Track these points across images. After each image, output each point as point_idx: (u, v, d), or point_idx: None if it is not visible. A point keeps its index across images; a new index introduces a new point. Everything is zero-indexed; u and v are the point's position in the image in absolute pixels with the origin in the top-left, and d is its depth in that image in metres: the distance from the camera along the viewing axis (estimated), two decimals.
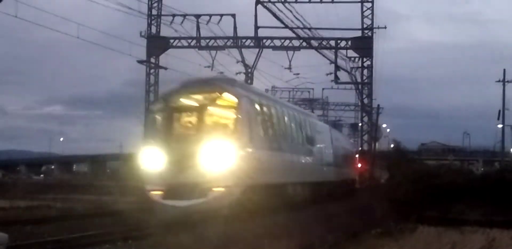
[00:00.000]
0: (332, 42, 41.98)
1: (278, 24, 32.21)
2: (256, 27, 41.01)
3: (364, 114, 47.84)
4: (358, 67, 44.91)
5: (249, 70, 40.63)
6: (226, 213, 18.96)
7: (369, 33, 43.51)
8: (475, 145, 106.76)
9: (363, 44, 42.83)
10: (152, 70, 44.92)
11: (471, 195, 27.11)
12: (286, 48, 41.94)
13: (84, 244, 16.18)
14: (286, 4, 33.47)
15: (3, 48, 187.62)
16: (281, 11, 30.25)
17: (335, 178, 35.21)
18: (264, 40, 41.70)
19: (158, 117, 21.03)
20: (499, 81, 62.24)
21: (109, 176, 62.75)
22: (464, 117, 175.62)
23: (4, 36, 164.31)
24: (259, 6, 36.58)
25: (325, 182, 32.00)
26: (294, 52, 42.34)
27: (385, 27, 45.25)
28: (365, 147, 47.42)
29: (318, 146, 31.07)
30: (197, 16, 40.49)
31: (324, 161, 32.38)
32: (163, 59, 44.29)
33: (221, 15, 40.38)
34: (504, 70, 62.36)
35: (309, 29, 37.42)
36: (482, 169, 78.34)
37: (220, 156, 19.30)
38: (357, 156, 47.48)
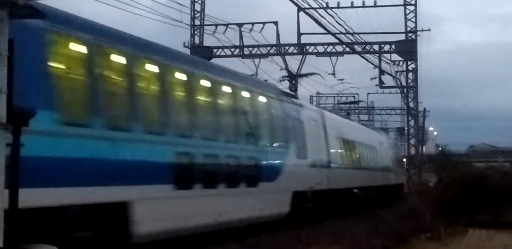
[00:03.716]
0: (376, 47, 41.73)
1: (321, 30, 32.11)
2: (299, 34, 41.10)
3: (410, 118, 47.50)
4: (402, 71, 44.65)
5: None
6: None
7: (413, 36, 43.24)
8: None
9: (407, 48, 42.50)
10: None
11: None
12: (330, 54, 41.82)
13: None
14: (328, 10, 33.43)
15: None
16: (324, 17, 30.16)
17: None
18: (307, 47, 41.65)
19: None
20: None
21: None
22: None
23: None
24: (301, 13, 36.66)
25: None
26: (337, 58, 42.21)
27: (429, 30, 45.01)
28: (412, 151, 47.09)
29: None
30: (240, 25, 40.63)
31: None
32: None
33: (264, 23, 40.47)
34: None
35: (352, 34, 37.32)
36: None
37: None
38: (404, 160, 47.21)
